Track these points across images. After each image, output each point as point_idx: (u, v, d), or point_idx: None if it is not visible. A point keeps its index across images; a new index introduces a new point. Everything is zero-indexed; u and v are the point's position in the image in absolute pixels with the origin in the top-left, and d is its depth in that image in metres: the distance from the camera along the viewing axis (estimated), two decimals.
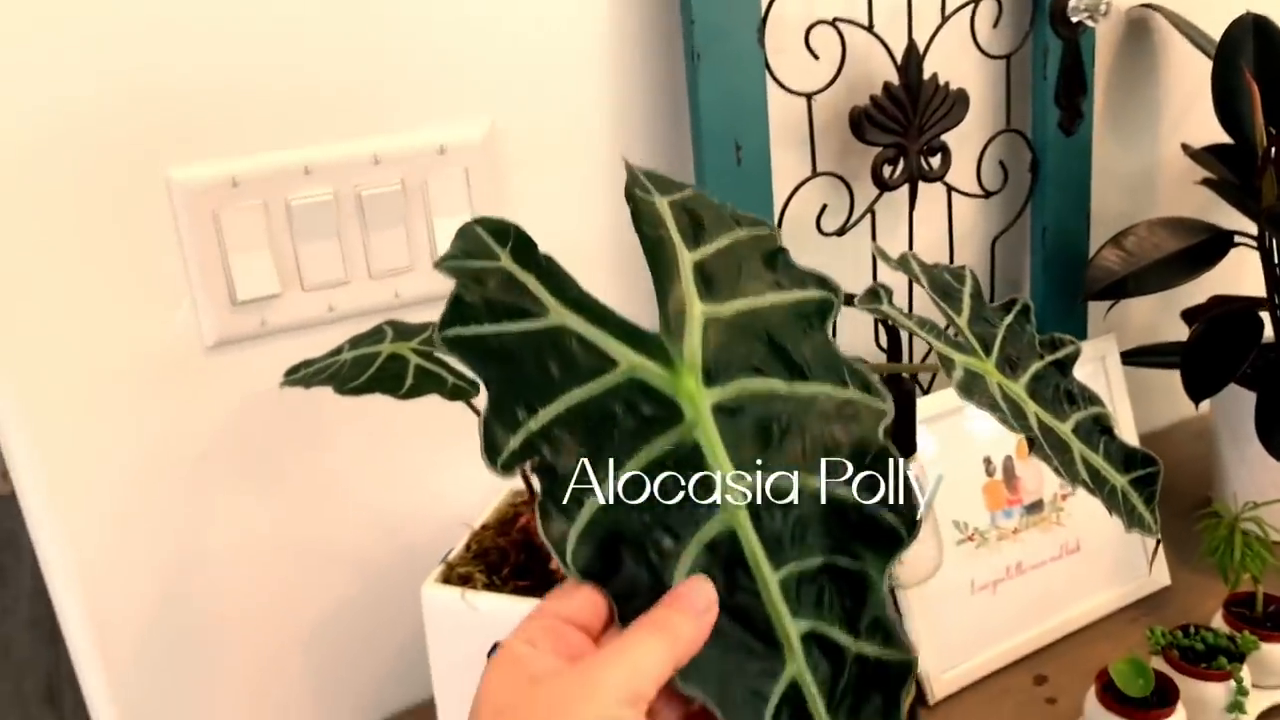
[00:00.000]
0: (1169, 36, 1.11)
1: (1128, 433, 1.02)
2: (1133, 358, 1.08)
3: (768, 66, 0.86)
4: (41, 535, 0.77)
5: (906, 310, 0.80)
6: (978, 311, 0.70)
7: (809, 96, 0.89)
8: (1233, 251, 1.00)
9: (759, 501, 0.42)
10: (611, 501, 0.42)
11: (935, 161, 0.95)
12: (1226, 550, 0.89)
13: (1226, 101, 0.98)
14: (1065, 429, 0.68)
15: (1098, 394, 0.71)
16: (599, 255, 0.88)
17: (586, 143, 0.85)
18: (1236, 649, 0.83)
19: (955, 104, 0.94)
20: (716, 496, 0.42)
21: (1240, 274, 1.08)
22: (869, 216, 0.95)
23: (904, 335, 1.01)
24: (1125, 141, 1.13)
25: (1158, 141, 1.15)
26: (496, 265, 0.44)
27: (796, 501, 0.43)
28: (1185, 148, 0.98)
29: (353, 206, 0.77)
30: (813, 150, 0.91)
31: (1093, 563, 0.97)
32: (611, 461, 0.42)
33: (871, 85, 0.91)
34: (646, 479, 0.42)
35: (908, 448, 0.76)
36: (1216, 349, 0.95)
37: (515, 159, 0.83)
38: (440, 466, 0.86)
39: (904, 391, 0.74)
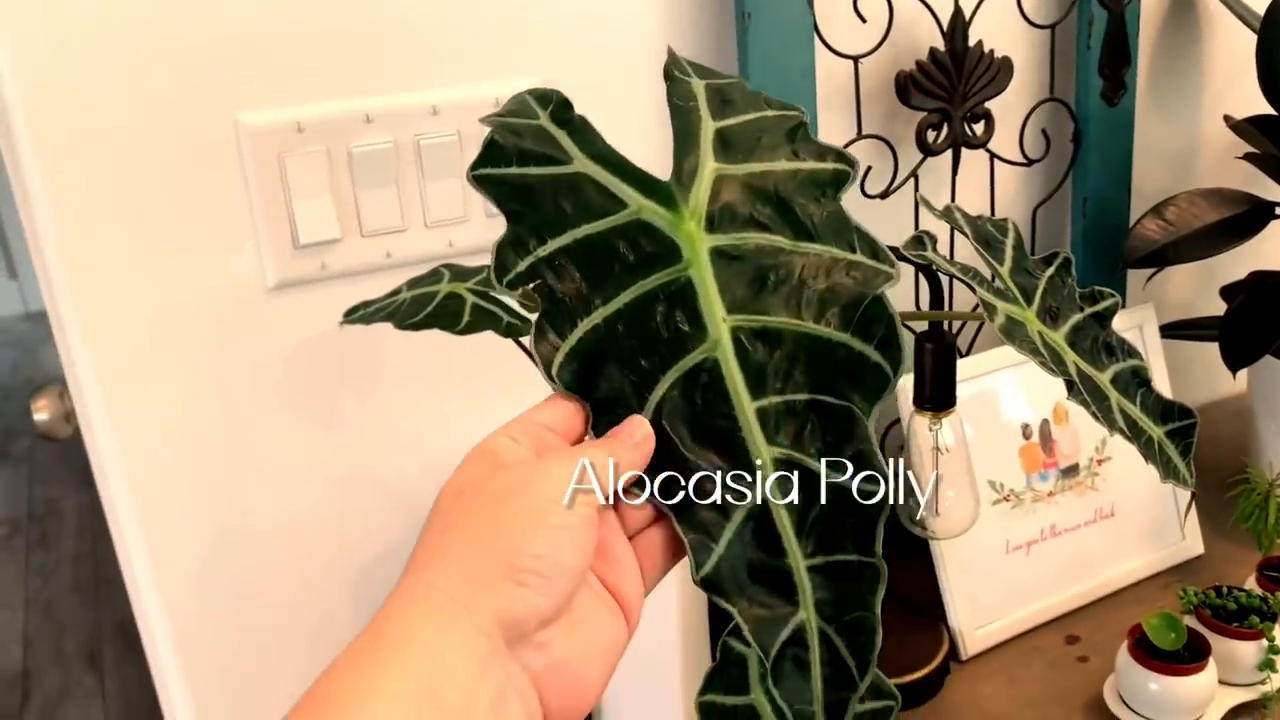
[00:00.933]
0: (1213, 8, 1.11)
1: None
2: (1171, 331, 1.09)
3: (816, 29, 0.87)
4: (106, 470, 0.80)
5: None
6: (1020, 263, 0.72)
7: (856, 60, 0.90)
8: (1273, 224, 1.00)
9: (745, 337, 0.45)
10: (602, 325, 0.45)
11: (979, 128, 0.96)
12: (1260, 516, 0.91)
13: (1271, 74, 0.99)
14: (1104, 379, 0.69)
15: (1135, 347, 0.73)
16: None
17: (635, 101, 0.87)
18: (1269, 609, 0.84)
19: (999, 72, 0.95)
20: (703, 328, 0.45)
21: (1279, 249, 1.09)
22: (912, 180, 0.96)
23: (946, 290, 1.02)
24: (1168, 114, 1.14)
25: (1200, 114, 1.16)
26: (534, 123, 0.48)
27: (784, 340, 0.45)
28: (1228, 119, 0.98)
29: (411, 155, 0.80)
30: (858, 113, 0.93)
31: (1127, 528, 0.98)
32: (608, 290, 0.45)
33: (917, 50, 0.92)
34: (638, 307, 0.45)
35: (947, 400, 0.77)
36: (1257, 318, 0.95)
37: None
38: (494, 412, 0.88)
39: (945, 345, 0.76)
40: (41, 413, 0.96)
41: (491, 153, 0.47)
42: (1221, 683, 0.81)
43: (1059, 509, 0.96)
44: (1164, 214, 0.99)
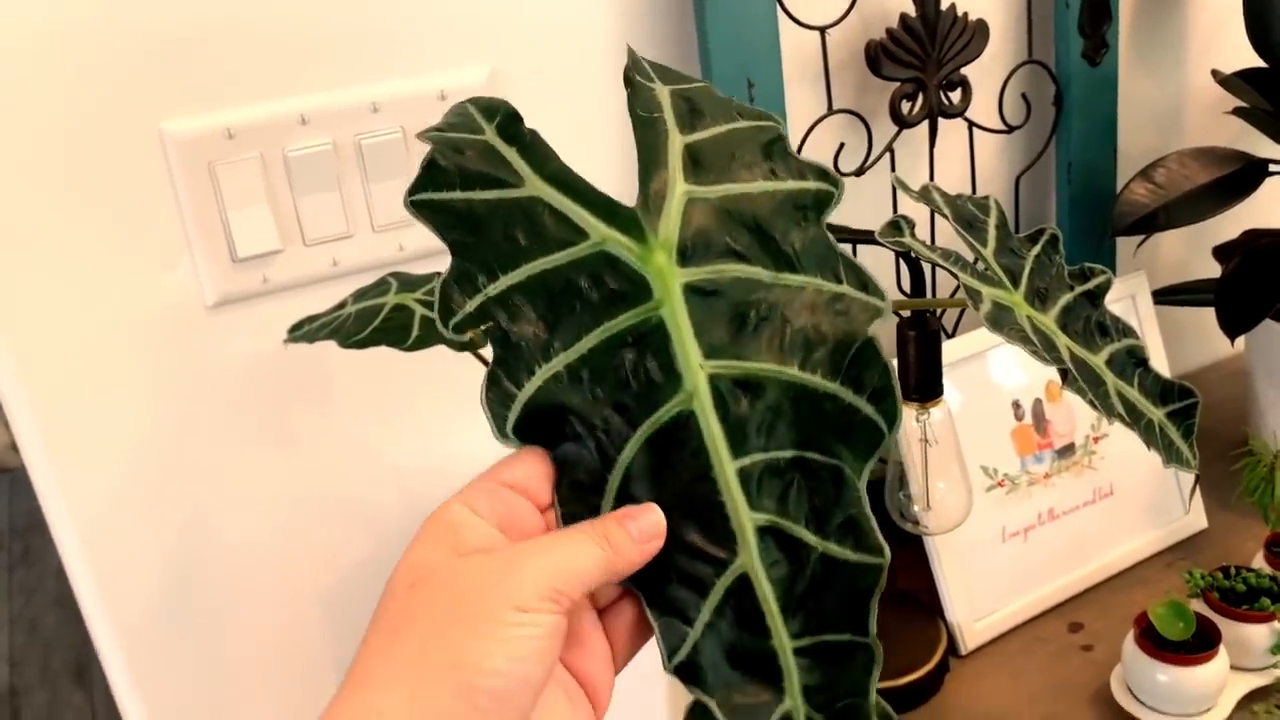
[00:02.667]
0: None
1: (1160, 369, 0.98)
2: (1164, 296, 1.05)
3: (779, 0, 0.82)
4: (48, 502, 0.76)
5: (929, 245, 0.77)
6: (1004, 243, 0.68)
7: (823, 30, 0.86)
8: (1266, 182, 0.96)
9: (724, 386, 0.40)
10: (564, 373, 0.40)
11: (955, 96, 0.92)
12: (1266, 489, 0.87)
13: (1259, 24, 0.94)
14: (1098, 361, 0.65)
15: (1131, 326, 0.69)
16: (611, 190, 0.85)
17: (592, 85, 0.82)
18: (1279, 590, 0.80)
19: (975, 35, 0.91)
20: (677, 377, 0.40)
21: (1273, 206, 1.05)
22: (888, 155, 0.92)
23: (928, 272, 0.98)
24: (1153, 71, 1.09)
25: (1187, 70, 1.11)
26: (480, 139, 0.43)
27: (767, 390, 0.40)
28: (1215, 74, 0.94)
29: (353, 156, 0.75)
30: (828, 87, 0.88)
31: (1127, 507, 0.95)
32: (569, 333, 0.40)
33: (887, 18, 0.88)
34: (604, 352, 0.40)
35: (933, 389, 0.73)
36: (1253, 282, 0.91)
37: (518, 104, 0.79)
38: (455, 422, 0.84)
39: (929, 332, 0.72)
40: None
41: (432, 175, 0.41)
42: (1233, 668, 0.77)
43: (1056, 491, 0.92)
44: (1153, 177, 0.95)
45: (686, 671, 0.39)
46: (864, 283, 0.42)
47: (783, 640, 0.39)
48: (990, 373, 0.90)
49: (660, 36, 0.84)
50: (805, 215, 0.43)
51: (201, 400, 0.76)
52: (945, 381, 0.79)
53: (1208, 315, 0.93)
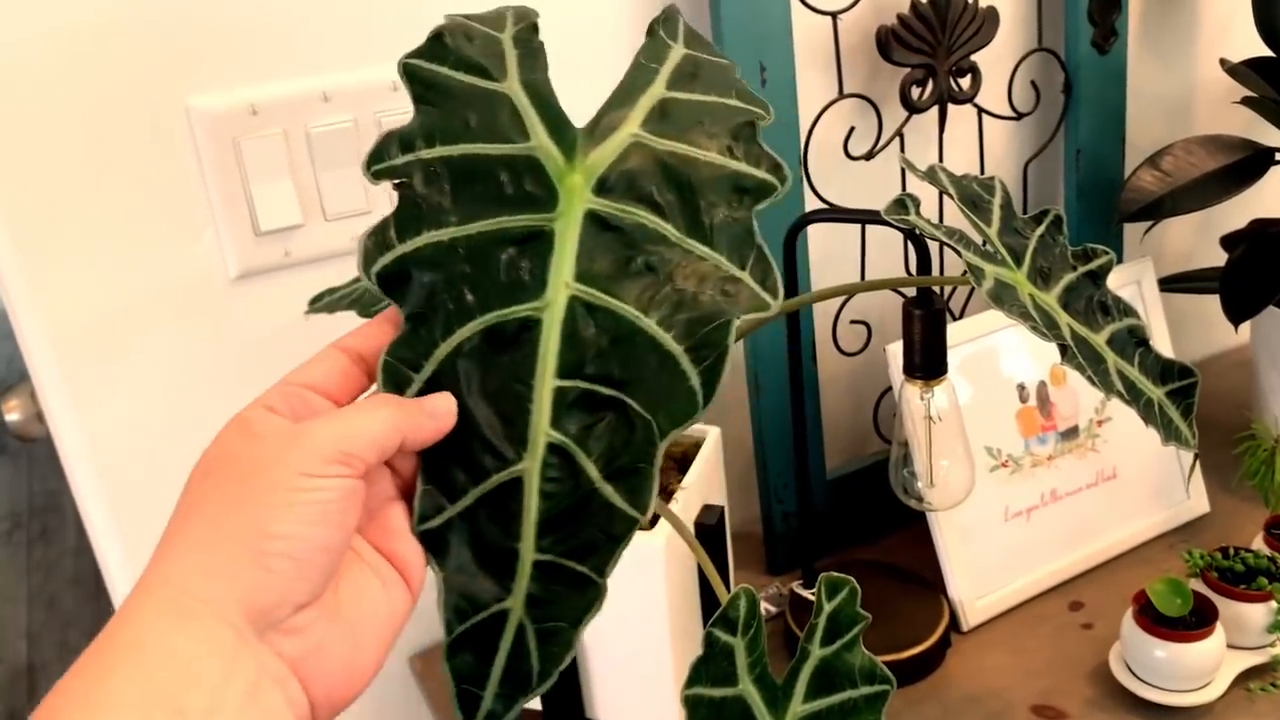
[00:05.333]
0: None
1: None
2: (1170, 284, 1.06)
3: None
4: (74, 471, 0.78)
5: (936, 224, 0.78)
6: (1008, 222, 0.69)
7: (834, 16, 0.87)
8: (1274, 171, 0.97)
9: (580, 310, 0.42)
10: (447, 242, 0.42)
11: (965, 82, 0.93)
12: (1267, 473, 0.88)
13: (1267, 14, 0.95)
14: (1099, 340, 0.67)
15: (1133, 306, 0.70)
16: None
17: (602, 68, 0.84)
18: (1277, 570, 0.81)
19: (985, 22, 0.92)
20: (542, 285, 0.42)
21: None
22: (897, 139, 0.93)
23: (935, 253, 0.99)
24: (1162, 60, 1.10)
25: (1196, 60, 1.12)
26: (495, 34, 0.46)
27: (619, 329, 0.42)
28: (1224, 63, 0.95)
29: (373, 133, 0.77)
30: (839, 72, 0.89)
31: (1130, 489, 0.96)
32: (469, 212, 0.42)
33: (899, 4, 0.89)
34: (491, 240, 0.42)
35: (938, 368, 0.75)
36: (1258, 269, 0.92)
37: None
38: None
39: (934, 310, 0.73)
40: (13, 413, 0.94)
41: (434, 48, 0.45)
42: (1230, 646, 0.79)
43: (1059, 473, 0.93)
44: (1159, 164, 0.96)
45: (431, 539, 0.41)
46: (765, 277, 0.43)
47: (528, 548, 0.41)
48: (996, 355, 0.92)
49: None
50: (741, 198, 0.44)
51: (226, 370, 0.78)
52: (951, 363, 0.81)
53: (1213, 304, 0.94)
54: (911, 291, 0.74)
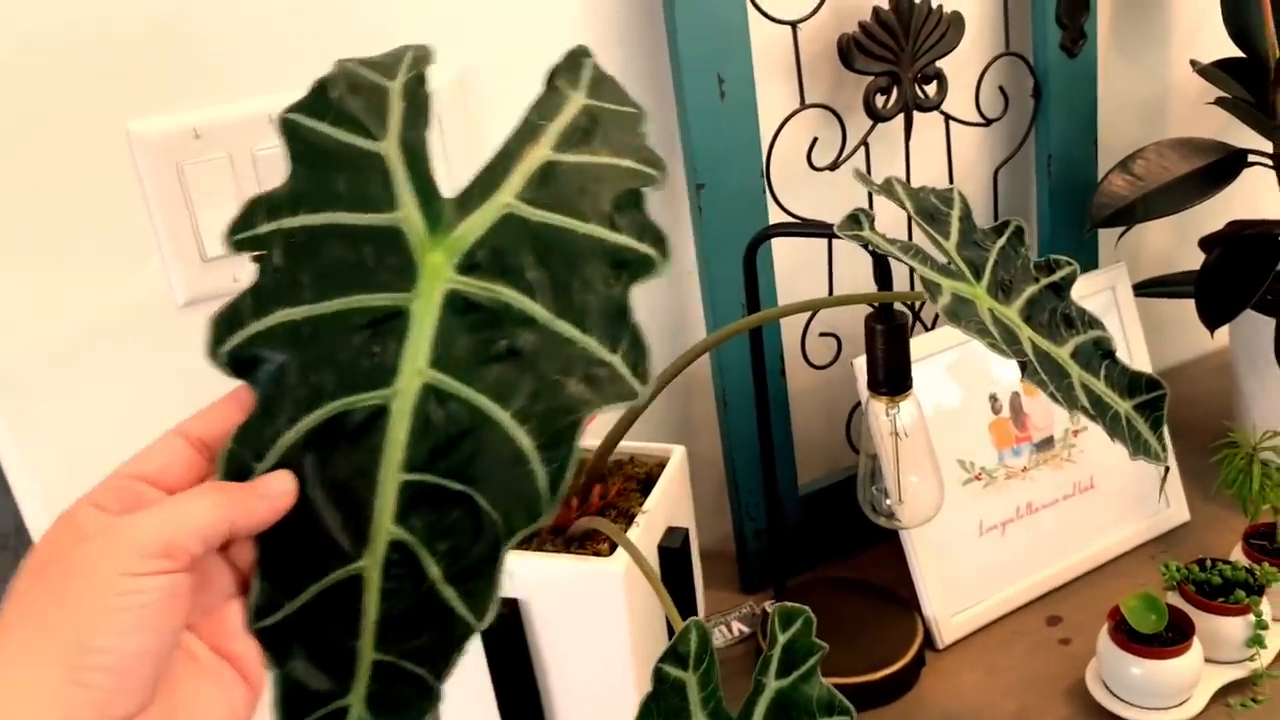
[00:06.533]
0: None
1: (1142, 367, 0.98)
2: (1146, 288, 1.04)
3: None
4: (24, 504, 0.76)
5: (906, 238, 0.75)
6: (968, 235, 0.67)
7: (794, 24, 0.85)
8: (1251, 173, 0.96)
9: (432, 401, 0.40)
10: (301, 323, 0.40)
11: (931, 89, 0.92)
12: (1245, 481, 0.86)
13: (1236, 15, 0.94)
14: (1063, 354, 0.65)
15: (1099, 318, 0.68)
16: None
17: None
18: (1255, 582, 0.80)
19: (950, 27, 0.90)
20: (393, 371, 0.40)
21: (1258, 197, 1.04)
22: (862, 150, 0.92)
23: (902, 265, 0.97)
24: (1133, 62, 1.09)
25: (1168, 61, 1.11)
26: (384, 84, 0.44)
27: (472, 422, 0.39)
28: (1194, 64, 0.93)
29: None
30: (800, 81, 0.88)
31: (1107, 500, 0.94)
32: (326, 289, 0.40)
33: (860, 10, 0.87)
34: (346, 321, 0.40)
35: (902, 383, 0.73)
36: (1232, 274, 0.91)
37: (488, 101, 0.80)
38: None
39: (895, 325, 0.72)
40: None
41: (315, 101, 0.44)
42: (1208, 660, 0.77)
43: (1034, 485, 0.92)
44: (1131, 168, 0.95)
45: (267, 637, 0.39)
46: (637, 361, 0.40)
47: (368, 647, 0.39)
48: (967, 366, 0.90)
49: (630, 33, 0.84)
50: (618, 274, 0.41)
51: (174, 398, 0.76)
52: (921, 375, 0.79)
53: (1191, 308, 0.92)
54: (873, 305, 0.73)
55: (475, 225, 0.42)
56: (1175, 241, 1.17)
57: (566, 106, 0.46)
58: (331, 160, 0.43)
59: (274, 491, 0.38)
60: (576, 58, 0.49)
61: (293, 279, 0.40)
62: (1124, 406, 0.66)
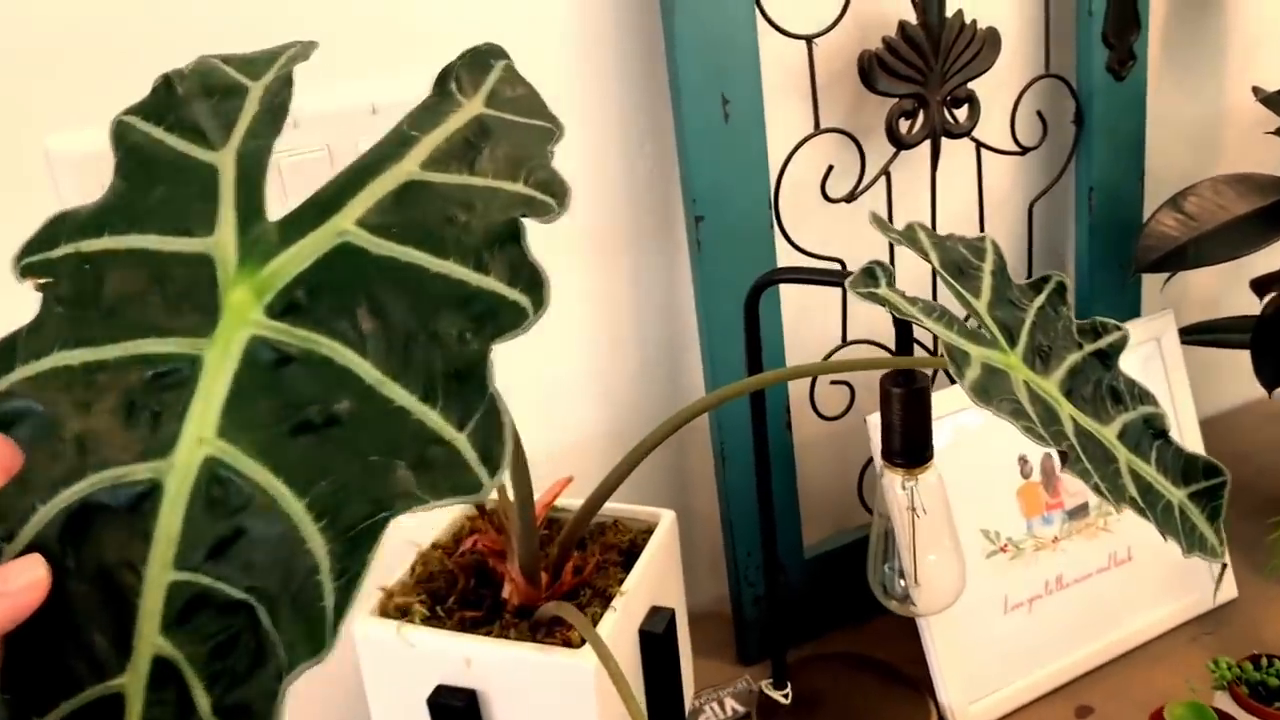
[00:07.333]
0: None
1: (1188, 422, 0.89)
2: (1194, 334, 0.95)
3: (758, 3, 0.73)
4: None
5: (929, 291, 0.66)
6: (1001, 293, 0.58)
7: (809, 39, 0.76)
8: None
9: (215, 482, 0.31)
10: (78, 370, 0.33)
11: (961, 114, 0.83)
12: None
13: None
14: (1109, 434, 0.56)
15: (1149, 390, 0.59)
16: (562, 218, 0.76)
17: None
18: None
19: (984, 46, 0.81)
20: (170, 439, 0.32)
21: None
22: (883, 179, 0.83)
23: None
24: (1186, 86, 0.99)
25: (1224, 86, 1.01)
26: (243, 82, 0.39)
27: (261, 511, 0.31)
28: (1257, 91, 0.84)
29: (269, 176, 0.67)
30: (815, 103, 0.79)
31: (1147, 574, 0.85)
32: (109, 331, 0.33)
33: (884, 25, 0.78)
34: (124, 371, 0.32)
35: (921, 455, 0.64)
36: None
37: None
38: None
39: (916, 389, 0.63)
40: None
41: (157, 101, 0.38)
42: None
43: (1066, 556, 0.82)
44: (1183, 206, 0.85)
45: None
46: (489, 443, 0.32)
47: None
48: (994, 424, 0.80)
49: (625, 49, 0.75)
50: (477, 329, 0.33)
51: None
52: (942, 434, 0.70)
53: (1243, 352, 0.83)
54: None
55: (298, 256, 0.34)
56: (1225, 282, 1.08)
57: (453, 115, 0.38)
58: (154, 172, 0.36)
59: (21, 584, 0.30)
60: (482, 56, 0.42)
61: (77, 315, 0.33)
62: (1178, 495, 0.58)
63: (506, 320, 0.33)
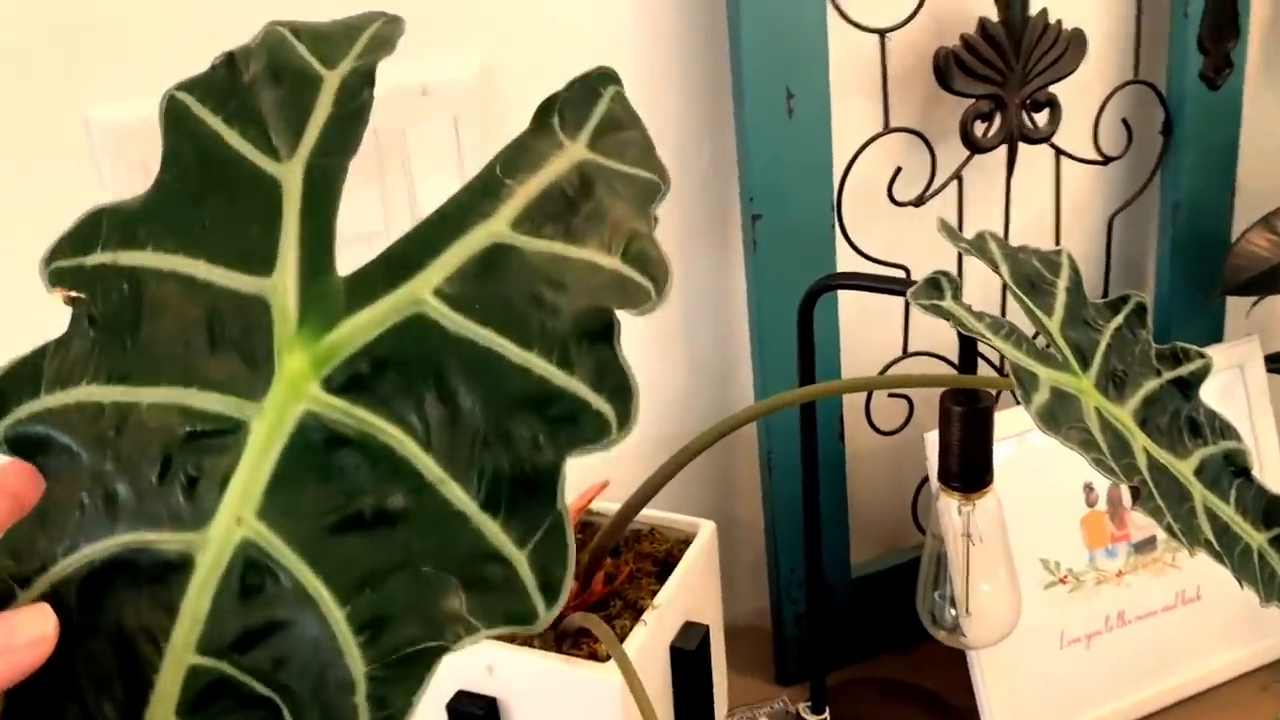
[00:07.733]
0: None
1: (1271, 458, 0.84)
2: (1277, 363, 0.89)
3: None
4: None
5: (998, 306, 0.63)
6: (1076, 311, 0.54)
7: (882, 34, 0.73)
8: None
9: (251, 566, 0.28)
10: (108, 409, 0.29)
11: (1041, 118, 0.78)
12: None
13: None
14: (1185, 469, 0.52)
15: (1231, 423, 0.55)
16: None
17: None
18: None
19: (1069, 47, 0.77)
20: (208, 512, 0.28)
21: None
22: (955, 184, 0.79)
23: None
24: None
25: None
26: (319, 73, 0.34)
27: (297, 609, 0.28)
28: None
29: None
30: (885, 101, 0.75)
31: (1216, 615, 0.80)
32: (156, 365, 0.30)
33: (963, 21, 0.74)
34: (163, 419, 0.29)
35: (980, 479, 0.61)
36: None
37: (512, 103, 0.69)
38: None
39: (976, 410, 0.59)
40: None
41: (216, 82, 0.33)
42: None
43: (1130, 592, 0.78)
44: (1276, 225, 0.80)
45: None
46: (550, 567, 0.28)
47: None
48: (1058, 448, 0.76)
49: (685, 36, 0.72)
50: (553, 435, 0.29)
51: None
52: (1003, 456, 0.66)
53: None
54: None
55: (365, 324, 0.30)
56: None
57: (552, 161, 0.33)
58: (209, 174, 0.32)
59: (25, 638, 0.28)
60: (591, 84, 0.36)
61: (111, 341, 0.30)
62: (1258, 539, 0.53)
63: (587, 430, 0.29)
